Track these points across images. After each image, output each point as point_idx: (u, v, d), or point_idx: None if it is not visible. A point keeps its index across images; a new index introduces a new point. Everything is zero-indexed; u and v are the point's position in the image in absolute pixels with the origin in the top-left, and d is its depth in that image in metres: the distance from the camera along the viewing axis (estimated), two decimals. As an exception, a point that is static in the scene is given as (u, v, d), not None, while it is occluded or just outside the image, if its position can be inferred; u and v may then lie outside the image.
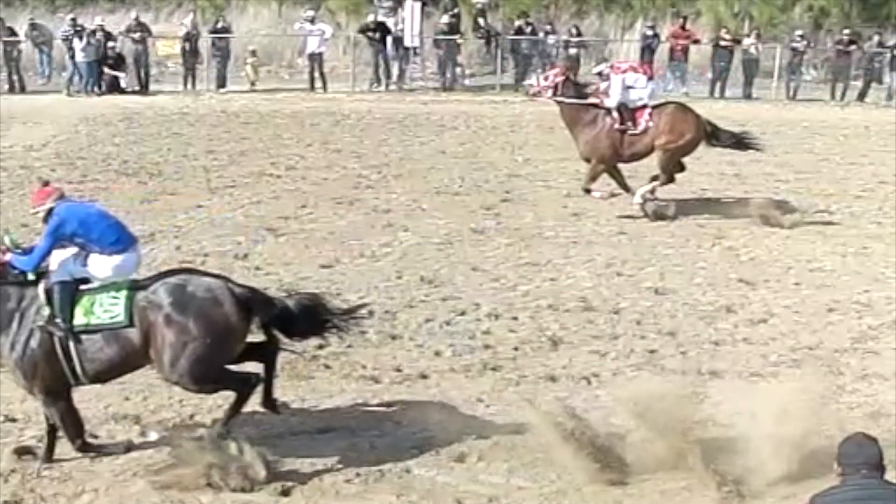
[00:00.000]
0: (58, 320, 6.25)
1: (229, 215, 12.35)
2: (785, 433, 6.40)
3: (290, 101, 20.76)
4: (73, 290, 6.34)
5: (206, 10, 25.17)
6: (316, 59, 22.11)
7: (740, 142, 12.72)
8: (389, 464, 6.65)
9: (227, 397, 7.47)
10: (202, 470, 6.30)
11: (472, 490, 6.40)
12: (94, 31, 21.48)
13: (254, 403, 7.39)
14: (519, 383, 7.88)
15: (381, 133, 17.67)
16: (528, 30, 22.90)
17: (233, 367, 6.57)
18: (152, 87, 21.97)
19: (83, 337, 6.26)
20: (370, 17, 22.79)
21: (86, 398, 7.23)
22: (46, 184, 7.04)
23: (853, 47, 22.51)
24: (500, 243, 11.40)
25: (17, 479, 6.39)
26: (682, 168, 12.67)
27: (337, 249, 11.04)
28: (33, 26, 22.31)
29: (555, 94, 12.65)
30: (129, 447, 6.67)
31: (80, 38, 21.20)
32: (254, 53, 22.66)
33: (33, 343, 6.30)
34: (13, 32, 22.06)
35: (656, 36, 22.79)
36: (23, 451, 6.64)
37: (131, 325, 6.25)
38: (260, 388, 6.65)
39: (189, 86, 21.96)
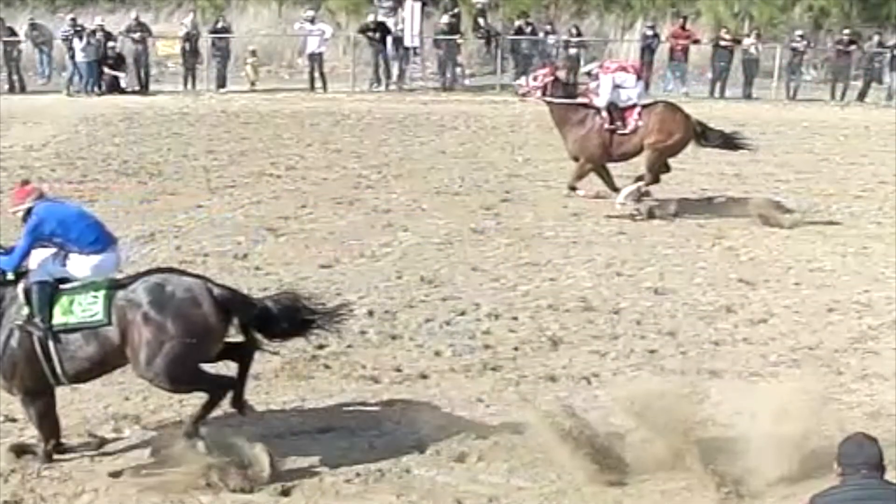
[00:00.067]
0: (36, 320, 6.25)
1: (229, 215, 12.35)
2: (785, 433, 6.40)
3: (290, 101, 20.77)
4: (51, 289, 6.33)
5: (206, 10, 25.18)
6: (316, 59, 22.12)
7: (729, 142, 12.72)
8: (389, 464, 6.64)
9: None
10: (202, 470, 6.30)
11: (472, 490, 6.40)
12: (94, 31, 21.50)
13: (252, 403, 7.43)
14: (519, 383, 7.88)
15: (381, 133, 17.67)
16: (528, 30, 22.91)
17: (209, 369, 6.57)
18: (152, 87, 21.98)
19: (62, 336, 6.26)
20: (370, 17, 22.80)
21: (86, 398, 7.25)
22: (26, 183, 7.02)
23: (853, 47, 22.52)
24: (500, 243, 11.40)
25: (17, 479, 6.39)
26: (667, 168, 12.66)
27: (337, 249, 11.04)
28: (33, 26, 22.32)
29: (544, 95, 12.67)
30: (101, 444, 6.64)
31: (80, 38, 21.21)
32: (254, 53, 22.67)
33: (13, 343, 6.30)
34: (13, 32, 22.07)
35: (656, 36, 22.80)
36: (22, 451, 6.63)
37: (110, 323, 6.24)
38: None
39: (189, 86, 21.97)
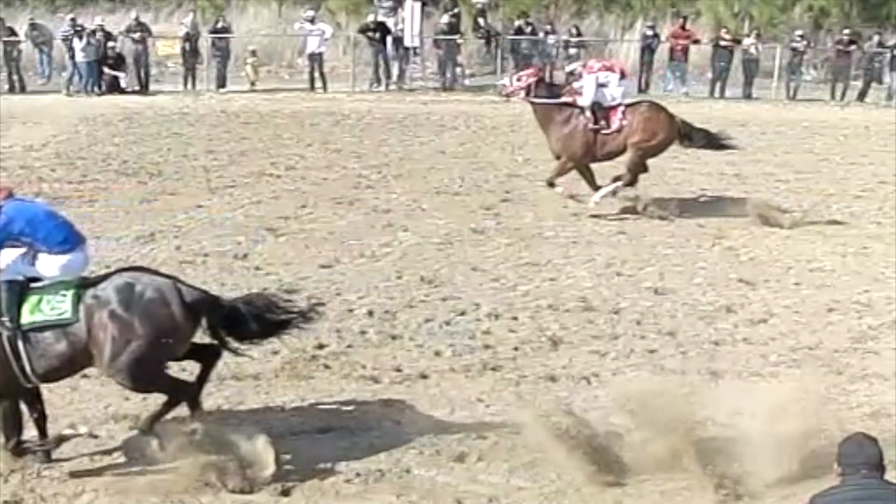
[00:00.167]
0: (5, 319, 6.24)
1: (229, 215, 12.35)
2: (785, 433, 6.40)
3: (290, 101, 20.77)
4: (20, 288, 6.32)
5: (206, 10, 25.19)
6: (316, 59, 22.12)
7: (714, 142, 12.70)
8: (389, 464, 6.65)
9: (227, 397, 7.53)
10: (202, 470, 6.30)
11: (472, 490, 6.40)
12: (94, 31, 21.50)
13: (252, 403, 7.43)
14: (519, 383, 7.88)
15: (381, 133, 17.68)
16: (528, 30, 22.92)
17: (172, 372, 6.58)
18: (152, 87, 21.99)
19: (31, 335, 6.24)
20: (370, 17, 22.80)
21: (86, 398, 7.26)
22: None
23: (853, 47, 22.52)
24: (500, 243, 11.40)
25: (17, 479, 6.39)
26: (645, 169, 12.63)
27: (337, 249, 11.04)
28: (33, 26, 22.32)
29: (528, 95, 12.67)
30: (60, 441, 6.63)
31: (80, 38, 21.21)
32: (254, 53, 22.67)
33: None
34: (13, 32, 22.07)
35: (656, 36, 22.80)
36: (21, 451, 6.63)
37: (78, 321, 6.23)
38: None
39: (189, 86, 21.97)
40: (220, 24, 22.68)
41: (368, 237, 11.50)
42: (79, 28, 21.54)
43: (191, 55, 22.11)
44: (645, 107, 12.65)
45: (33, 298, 6.30)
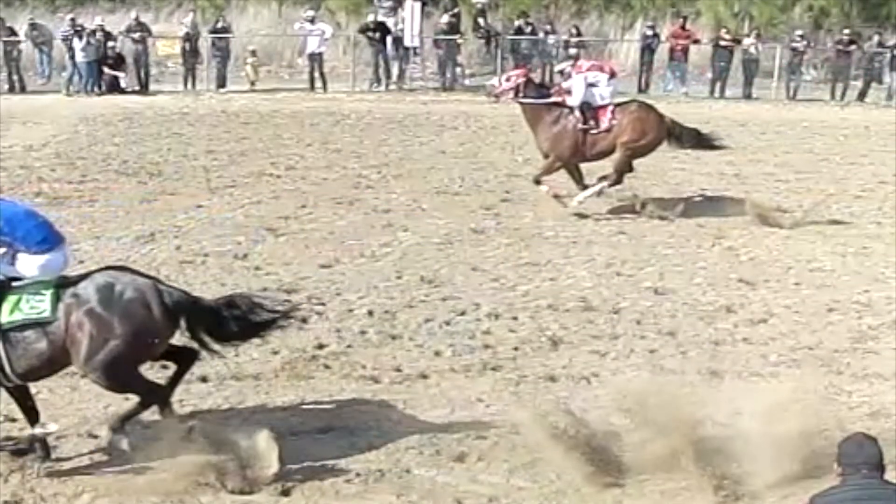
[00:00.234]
0: None
1: (229, 215, 12.35)
2: (784, 433, 6.40)
3: (290, 101, 20.77)
4: (0, 288, 6.31)
5: (206, 10, 25.19)
6: (316, 59, 22.13)
7: (704, 141, 12.69)
8: (389, 464, 6.64)
9: (227, 397, 7.53)
10: (202, 470, 6.30)
11: (472, 490, 6.40)
12: (93, 31, 21.50)
13: (252, 403, 7.43)
14: (519, 383, 7.88)
15: (381, 133, 17.68)
16: (528, 30, 22.92)
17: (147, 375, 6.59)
18: (152, 87, 22.00)
19: (10, 335, 6.22)
20: (370, 17, 22.81)
21: (86, 398, 7.26)
22: None
23: (853, 47, 22.53)
24: (500, 243, 11.40)
25: (17, 479, 6.39)
26: (630, 169, 12.63)
27: (337, 249, 11.04)
28: (33, 26, 22.32)
29: (517, 96, 12.67)
30: (32, 441, 6.62)
31: (80, 38, 21.21)
32: (254, 53, 22.67)
33: None
34: (13, 32, 22.07)
35: (656, 36, 22.81)
36: (20, 451, 6.63)
37: (57, 320, 6.23)
38: None
39: (189, 86, 21.98)
40: (220, 24, 22.69)
41: (368, 237, 11.50)
42: (79, 28, 21.54)
43: (191, 55, 22.11)
44: (635, 106, 12.63)
45: (13, 298, 6.28)
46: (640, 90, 22.12)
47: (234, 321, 6.60)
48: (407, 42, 22.79)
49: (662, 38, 22.87)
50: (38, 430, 6.57)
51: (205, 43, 22.28)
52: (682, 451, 6.41)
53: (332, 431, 7.04)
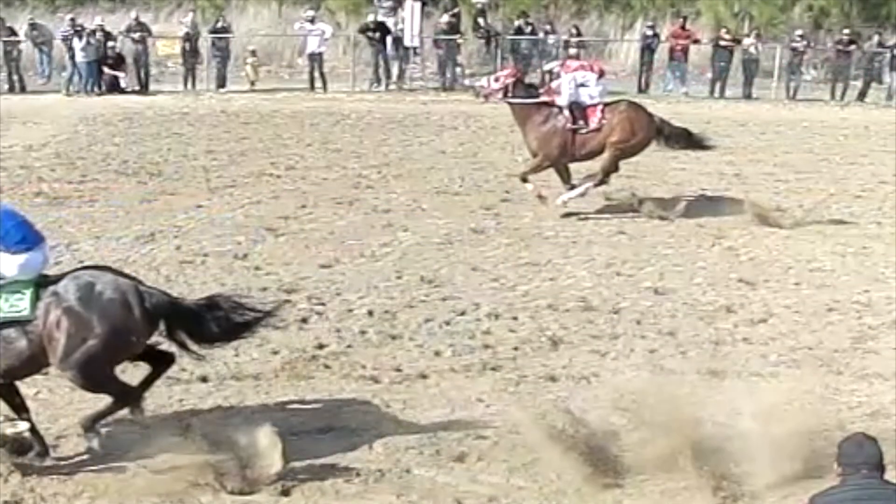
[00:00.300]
0: None
1: (229, 215, 12.35)
2: (785, 433, 6.40)
3: (290, 101, 20.77)
4: None
5: (206, 9, 25.19)
6: (316, 59, 22.13)
7: (693, 141, 12.66)
8: (389, 464, 6.65)
9: (227, 397, 7.53)
10: (202, 470, 6.30)
11: (472, 490, 6.40)
12: (93, 31, 21.49)
13: (252, 403, 7.43)
14: (519, 383, 7.88)
15: (381, 133, 17.67)
16: (528, 30, 22.92)
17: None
18: (152, 87, 21.99)
19: None
20: (370, 17, 22.80)
21: (86, 398, 7.22)
22: None
23: (853, 47, 22.53)
24: (500, 243, 11.40)
25: (16, 479, 6.39)
26: (616, 169, 12.61)
27: (337, 249, 11.04)
28: (33, 26, 22.31)
29: (506, 96, 12.67)
30: (2, 442, 6.61)
31: (80, 38, 21.20)
32: (254, 53, 22.67)
33: None
34: (13, 32, 22.07)
35: (656, 36, 22.80)
36: (20, 451, 6.62)
37: (36, 318, 6.23)
38: None
39: (189, 86, 21.97)
40: (219, 24, 22.68)
41: (368, 237, 11.50)
42: (79, 28, 21.53)
43: (191, 55, 22.10)
44: (624, 106, 12.59)
45: None
46: (640, 90, 22.12)
47: (216, 322, 6.58)
48: (407, 42, 22.79)
49: (662, 38, 22.87)
50: (9, 430, 6.56)
51: (205, 43, 22.28)
52: (682, 451, 6.41)
53: (332, 431, 7.04)
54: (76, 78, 21.39)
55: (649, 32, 22.82)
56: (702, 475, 6.34)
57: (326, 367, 8.09)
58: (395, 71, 22.52)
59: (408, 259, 10.82)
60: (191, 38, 22.08)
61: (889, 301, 9.71)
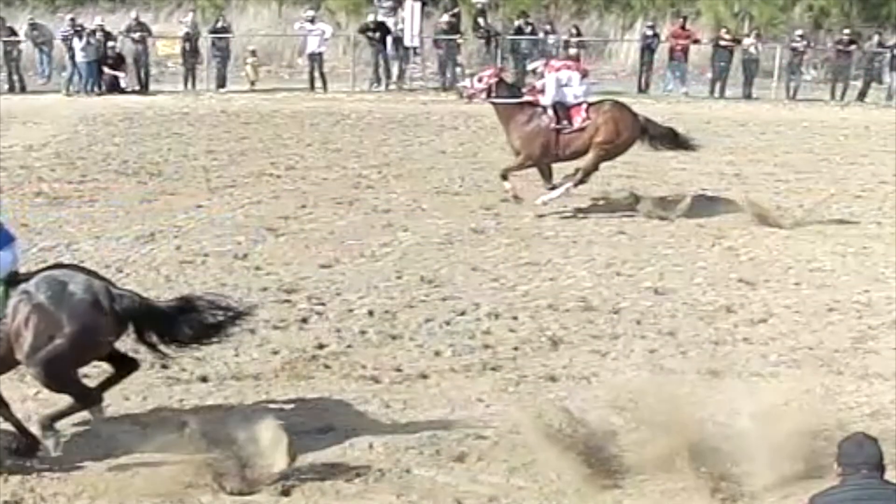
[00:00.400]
0: None
1: (229, 215, 12.35)
2: (785, 433, 6.40)
3: (290, 101, 20.77)
4: None
5: (206, 9, 25.19)
6: (316, 59, 22.13)
7: (679, 141, 12.64)
8: (389, 464, 6.65)
9: (227, 397, 7.53)
10: (201, 470, 6.30)
11: (472, 490, 6.40)
12: (93, 31, 21.49)
13: (251, 400, 7.43)
14: (519, 383, 7.88)
15: (381, 133, 17.68)
16: (528, 30, 22.91)
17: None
18: (152, 87, 21.99)
19: None
20: (370, 17, 22.80)
21: (86, 398, 7.25)
22: None
23: (853, 47, 22.52)
24: (500, 243, 11.40)
25: (17, 479, 6.39)
26: (596, 168, 12.58)
27: (337, 249, 11.04)
28: (33, 26, 22.31)
29: (489, 96, 12.67)
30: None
31: (80, 38, 21.20)
32: (254, 53, 22.67)
33: None
34: (13, 32, 22.07)
35: (656, 36, 22.80)
36: (19, 451, 6.62)
37: (5, 316, 6.23)
38: None
39: (189, 86, 21.97)
40: (219, 24, 22.68)
41: (368, 237, 11.50)
42: (79, 28, 21.53)
43: (191, 55, 22.10)
44: (608, 105, 12.56)
45: None
46: (640, 90, 22.15)
47: (187, 324, 6.57)
48: (407, 42, 22.79)
49: (662, 38, 22.86)
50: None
51: (205, 43, 22.28)
52: (682, 451, 6.41)
53: (332, 431, 7.04)
54: (76, 78, 21.39)
55: (649, 32, 22.81)
56: (702, 475, 6.34)
57: (326, 367, 8.09)
58: (395, 71, 22.53)
59: (408, 259, 10.82)
60: (191, 38, 22.08)
61: (889, 301, 9.71)
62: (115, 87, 21.42)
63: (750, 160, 15.50)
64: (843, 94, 22.34)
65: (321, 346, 8.44)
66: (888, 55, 22.48)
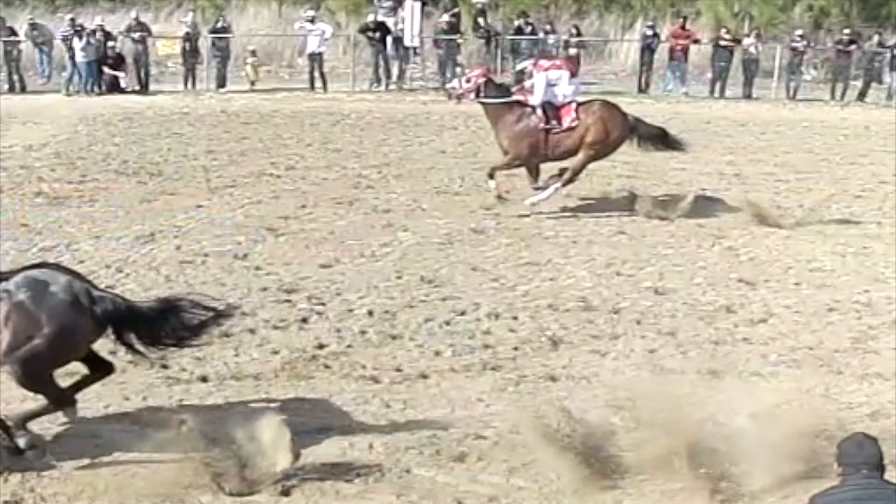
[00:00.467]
0: None
1: (229, 215, 12.35)
2: (785, 433, 6.40)
3: (290, 101, 20.76)
4: None
5: (206, 9, 25.18)
6: (316, 59, 22.12)
7: (668, 142, 12.63)
8: (389, 464, 6.65)
9: (227, 397, 7.53)
10: (201, 470, 6.30)
11: (472, 490, 6.40)
12: (93, 31, 21.48)
13: (252, 403, 7.43)
14: (519, 383, 7.88)
15: (381, 133, 17.67)
16: (528, 30, 22.90)
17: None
18: (152, 87, 21.98)
19: None
20: (370, 17, 22.80)
21: (86, 398, 7.23)
22: None
23: (853, 47, 22.52)
24: (500, 243, 11.40)
25: (17, 479, 6.39)
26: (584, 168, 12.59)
27: (337, 249, 11.04)
28: (33, 26, 22.30)
29: (478, 96, 12.67)
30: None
31: (80, 37, 21.20)
32: (254, 53, 22.66)
33: None
34: (13, 32, 22.06)
35: (656, 36, 22.80)
36: (19, 451, 6.62)
37: None
38: None
39: (189, 86, 21.96)
40: (220, 24, 22.67)
41: (368, 237, 11.50)
42: (79, 28, 21.51)
43: (191, 55, 22.09)
44: (598, 105, 12.54)
45: None
46: (640, 90, 22.15)
47: (169, 326, 6.57)
48: (407, 42, 22.78)
49: (662, 37, 22.86)
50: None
51: (205, 43, 22.27)
52: (682, 451, 6.41)
53: (332, 431, 7.04)
54: (76, 78, 21.37)
55: (649, 32, 22.80)
56: (701, 475, 6.34)
57: (326, 367, 8.09)
58: (395, 71, 22.52)
59: (408, 259, 10.82)
60: (191, 38, 22.07)
61: (889, 301, 9.71)
62: (115, 87, 21.41)
63: (750, 160, 15.50)
64: (843, 94, 22.34)
65: (321, 346, 8.44)
66: (888, 55, 22.47)
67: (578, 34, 23.24)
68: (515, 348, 8.53)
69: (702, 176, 14.36)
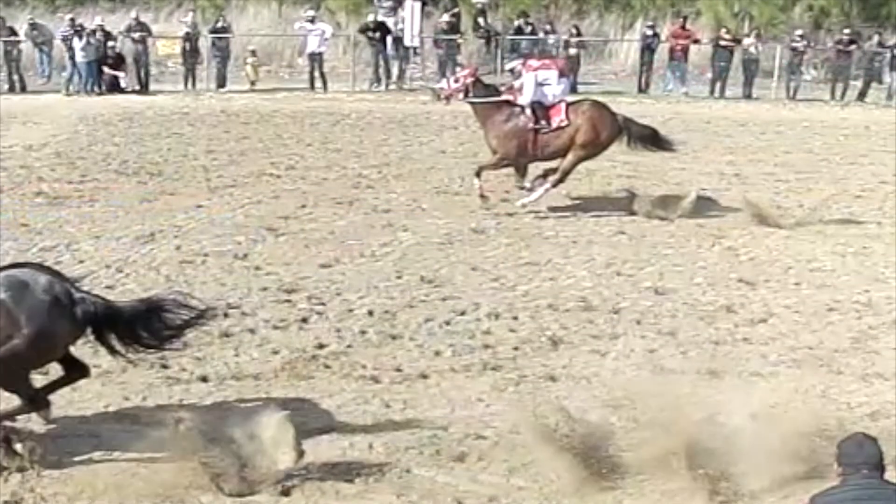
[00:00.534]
0: None
1: (229, 215, 12.35)
2: (785, 433, 6.40)
3: (290, 101, 20.77)
4: None
5: (206, 9, 25.18)
6: (316, 59, 22.13)
7: (659, 142, 12.62)
8: (389, 464, 6.65)
9: (227, 397, 7.53)
10: (201, 470, 6.30)
11: (472, 490, 6.40)
12: (93, 31, 21.49)
13: (252, 403, 7.43)
14: (519, 383, 7.88)
15: (381, 133, 17.67)
16: (528, 30, 22.91)
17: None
18: (152, 87, 21.98)
19: None
20: (370, 17, 22.80)
21: (86, 398, 7.26)
22: None
23: (853, 47, 22.52)
24: (500, 243, 11.40)
25: (17, 479, 6.39)
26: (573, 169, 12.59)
27: (337, 249, 11.04)
28: (33, 26, 22.31)
29: (466, 96, 12.66)
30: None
31: (80, 37, 21.20)
32: (254, 53, 22.66)
33: None
34: (13, 32, 22.06)
35: (656, 36, 22.80)
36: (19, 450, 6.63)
37: None
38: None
39: (189, 86, 21.97)
40: (220, 24, 22.68)
41: (368, 237, 11.50)
42: (79, 28, 21.52)
43: (191, 55, 22.10)
44: (587, 105, 12.52)
45: None
46: (640, 90, 22.15)
47: (152, 326, 6.54)
48: (407, 42, 22.78)
49: (662, 37, 22.86)
50: None
51: (205, 43, 22.28)
52: (682, 451, 6.41)
53: (332, 431, 7.04)
54: (76, 78, 21.38)
55: (649, 32, 22.81)
56: (701, 475, 6.33)
57: (326, 367, 8.09)
58: (395, 71, 22.52)
59: (408, 259, 10.82)
60: (191, 38, 22.08)
61: (889, 301, 9.71)
62: (115, 87, 21.42)
63: (750, 160, 15.50)
64: (843, 94, 22.34)
65: (321, 346, 8.44)
66: (888, 55, 22.48)
67: (578, 34, 23.24)
68: (515, 348, 8.53)
69: (702, 176, 14.36)
